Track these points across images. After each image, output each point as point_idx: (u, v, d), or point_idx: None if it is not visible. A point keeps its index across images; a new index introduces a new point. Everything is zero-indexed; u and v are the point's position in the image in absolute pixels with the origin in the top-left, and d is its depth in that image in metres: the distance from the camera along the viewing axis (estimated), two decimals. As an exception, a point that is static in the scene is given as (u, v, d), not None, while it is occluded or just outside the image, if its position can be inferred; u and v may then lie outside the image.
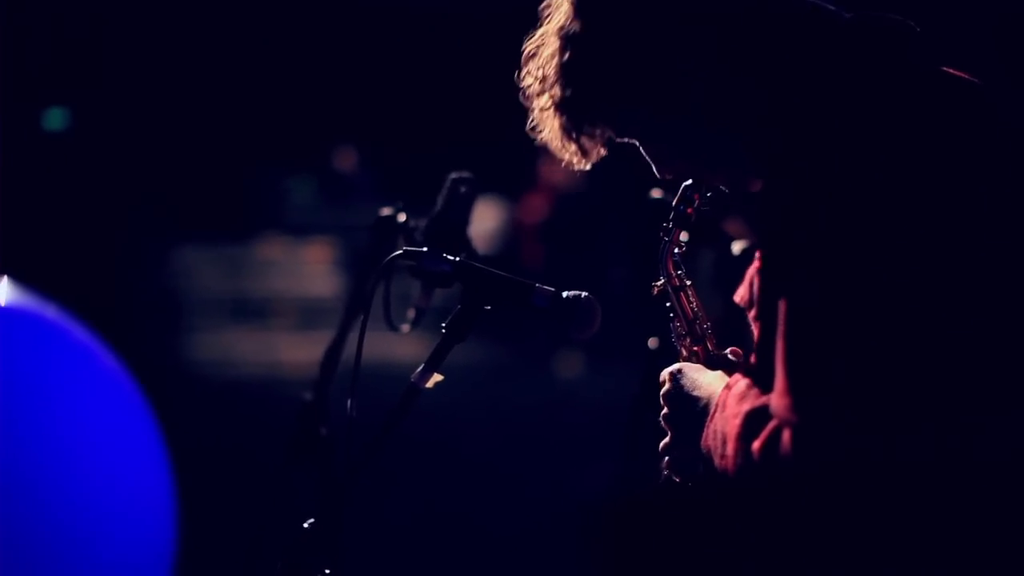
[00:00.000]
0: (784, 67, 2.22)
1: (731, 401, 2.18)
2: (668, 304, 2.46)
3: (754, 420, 2.09)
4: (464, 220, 3.28)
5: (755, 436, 2.06)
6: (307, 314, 14.14)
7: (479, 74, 14.77)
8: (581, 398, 11.14)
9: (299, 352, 12.42)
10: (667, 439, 2.36)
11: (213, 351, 13.25)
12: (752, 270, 2.27)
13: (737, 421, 2.12)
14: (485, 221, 12.86)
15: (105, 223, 13.79)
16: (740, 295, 2.32)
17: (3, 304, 2.59)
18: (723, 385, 2.26)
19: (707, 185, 2.40)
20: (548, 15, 2.36)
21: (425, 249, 2.46)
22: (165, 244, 14.80)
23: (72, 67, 14.20)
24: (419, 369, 2.40)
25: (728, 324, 2.45)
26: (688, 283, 2.46)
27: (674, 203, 2.43)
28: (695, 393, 2.31)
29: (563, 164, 2.43)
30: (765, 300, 2.13)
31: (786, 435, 2.00)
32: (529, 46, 2.37)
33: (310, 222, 15.54)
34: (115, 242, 13.88)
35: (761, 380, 2.14)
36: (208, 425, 8.85)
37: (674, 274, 2.45)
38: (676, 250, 2.45)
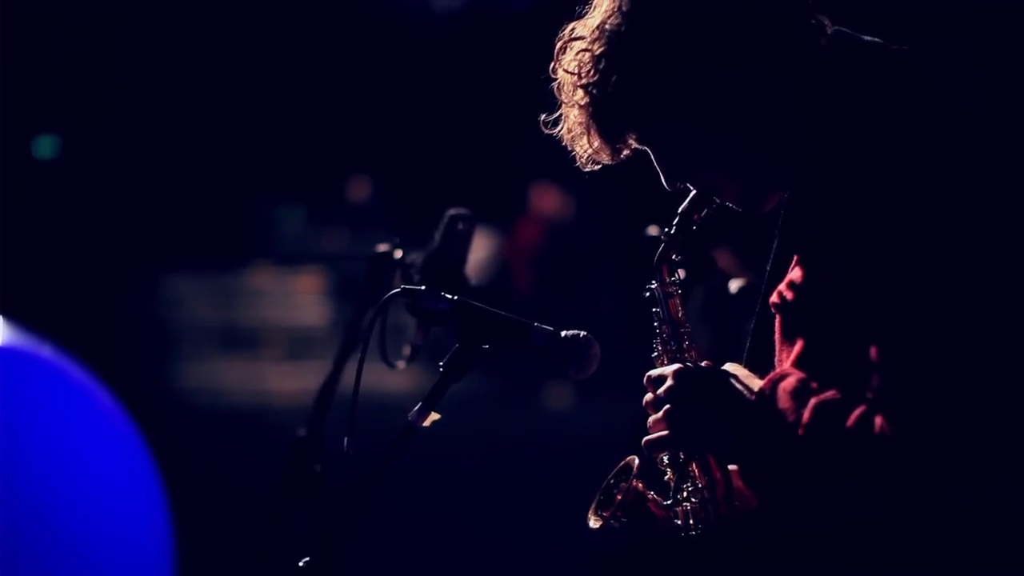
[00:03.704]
0: (832, 84, 2.25)
1: (783, 395, 2.18)
2: (655, 310, 2.45)
3: (828, 409, 2.12)
4: (462, 257, 3.28)
5: (839, 420, 2.09)
6: (297, 343, 14.14)
7: (471, 103, 14.82)
8: (570, 430, 11.12)
9: (289, 381, 12.41)
10: (663, 434, 2.32)
11: (203, 380, 13.23)
12: (796, 275, 2.27)
13: (806, 413, 2.13)
14: (477, 250, 12.87)
15: (95, 252, 13.78)
16: (775, 299, 2.31)
17: (0, 344, 2.58)
18: (751, 384, 2.26)
19: (714, 199, 2.40)
20: (589, 8, 2.35)
21: (423, 287, 2.44)
22: (155, 273, 14.79)
23: (63, 95, 14.19)
24: (416, 408, 2.39)
25: (715, 356, 2.44)
26: (679, 291, 2.45)
27: (681, 209, 2.42)
28: (716, 393, 2.29)
29: (575, 164, 2.42)
30: (826, 301, 2.18)
31: (879, 420, 2.06)
32: (564, 38, 2.36)
33: (300, 251, 15.53)
34: (105, 271, 13.86)
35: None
36: (198, 454, 8.82)
37: (667, 279, 2.44)
38: (674, 256, 2.44)
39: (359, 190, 15.26)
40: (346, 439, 2.43)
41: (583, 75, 2.31)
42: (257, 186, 16.01)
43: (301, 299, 15.15)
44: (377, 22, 15.97)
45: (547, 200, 13.62)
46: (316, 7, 16.10)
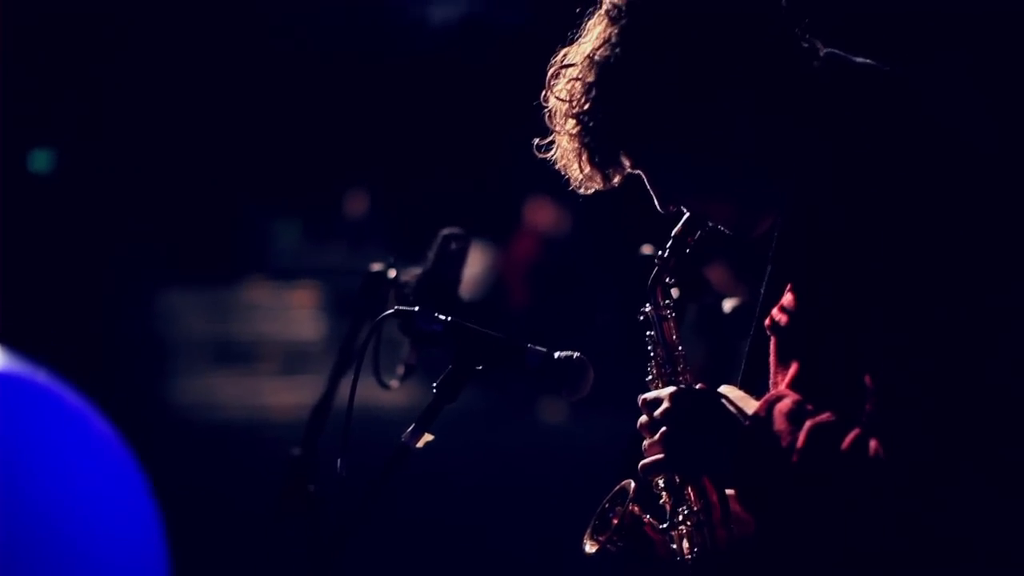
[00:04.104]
0: (825, 108, 2.26)
1: (778, 417, 2.18)
2: (650, 333, 2.45)
3: (823, 432, 2.12)
4: (455, 277, 3.26)
5: (834, 444, 2.09)
6: (292, 358, 14.13)
7: (467, 118, 14.83)
8: (565, 445, 11.11)
9: (284, 396, 12.41)
10: (659, 457, 2.31)
11: (198, 394, 13.22)
12: (789, 299, 2.27)
13: (801, 435, 2.13)
14: (472, 265, 12.85)
15: (91, 266, 13.78)
16: (769, 322, 2.31)
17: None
18: (746, 407, 2.26)
19: (707, 222, 2.40)
20: (580, 35, 2.35)
21: (417, 308, 2.44)
22: (151, 287, 14.79)
23: (58, 109, 14.19)
24: (409, 429, 2.39)
25: (709, 374, 2.44)
26: (673, 315, 2.45)
27: (674, 233, 2.42)
28: (712, 415, 2.29)
29: (570, 187, 2.42)
30: (820, 326, 2.18)
31: (873, 444, 2.06)
32: (556, 65, 2.36)
33: (296, 266, 15.54)
34: (101, 285, 13.85)
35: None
36: (193, 469, 8.82)
37: (661, 302, 2.44)
38: (667, 279, 2.44)
39: (355, 205, 15.28)
40: (339, 460, 2.42)
41: (574, 104, 2.31)
42: (253, 200, 16.02)
43: (297, 314, 15.16)
44: (374, 36, 15.98)
45: (542, 214, 13.62)
46: (312, 22, 16.11)
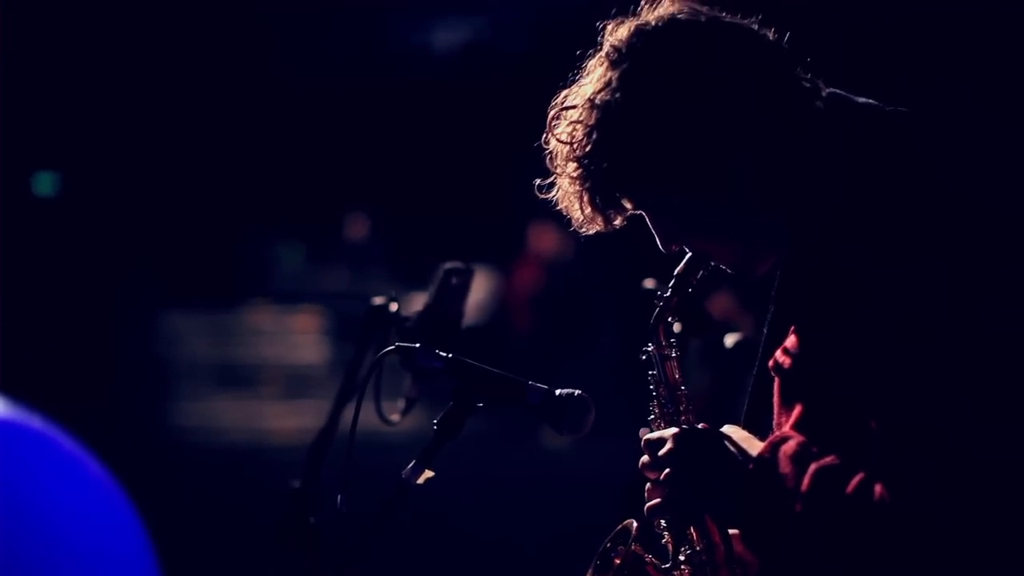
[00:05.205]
0: (827, 149, 2.26)
1: (783, 460, 2.18)
2: (652, 372, 2.44)
3: (828, 475, 2.12)
4: (457, 312, 3.26)
5: (838, 487, 2.09)
6: (295, 382, 14.12)
7: (469, 143, 14.84)
8: (567, 470, 11.09)
9: (287, 420, 12.40)
10: (662, 500, 2.31)
11: (200, 418, 13.22)
12: (792, 341, 2.27)
13: (806, 478, 2.13)
14: (475, 291, 12.83)
15: (94, 289, 13.78)
16: (772, 363, 2.31)
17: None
18: (750, 448, 2.25)
19: (709, 262, 2.40)
20: (580, 76, 2.35)
21: (418, 345, 2.44)
22: (154, 310, 14.78)
23: (62, 132, 14.21)
24: (410, 465, 2.39)
25: (712, 409, 2.44)
26: (676, 354, 2.45)
27: (677, 272, 2.42)
28: (716, 457, 2.28)
29: (571, 228, 2.42)
30: (823, 370, 2.18)
31: (878, 488, 2.05)
32: (557, 106, 2.36)
33: (299, 290, 15.53)
34: (104, 308, 13.86)
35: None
36: (195, 493, 8.81)
37: (664, 341, 2.44)
38: (670, 318, 2.44)
39: (358, 229, 15.27)
40: (339, 496, 2.42)
41: (575, 147, 2.30)
42: (256, 224, 16.01)
43: (299, 338, 15.14)
44: (377, 62, 16.00)
45: (546, 240, 13.60)
46: (315, 46, 16.13)
